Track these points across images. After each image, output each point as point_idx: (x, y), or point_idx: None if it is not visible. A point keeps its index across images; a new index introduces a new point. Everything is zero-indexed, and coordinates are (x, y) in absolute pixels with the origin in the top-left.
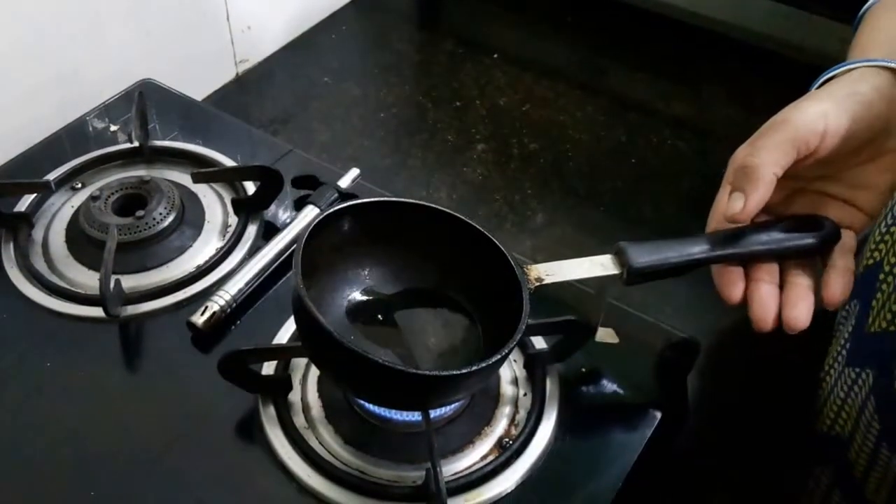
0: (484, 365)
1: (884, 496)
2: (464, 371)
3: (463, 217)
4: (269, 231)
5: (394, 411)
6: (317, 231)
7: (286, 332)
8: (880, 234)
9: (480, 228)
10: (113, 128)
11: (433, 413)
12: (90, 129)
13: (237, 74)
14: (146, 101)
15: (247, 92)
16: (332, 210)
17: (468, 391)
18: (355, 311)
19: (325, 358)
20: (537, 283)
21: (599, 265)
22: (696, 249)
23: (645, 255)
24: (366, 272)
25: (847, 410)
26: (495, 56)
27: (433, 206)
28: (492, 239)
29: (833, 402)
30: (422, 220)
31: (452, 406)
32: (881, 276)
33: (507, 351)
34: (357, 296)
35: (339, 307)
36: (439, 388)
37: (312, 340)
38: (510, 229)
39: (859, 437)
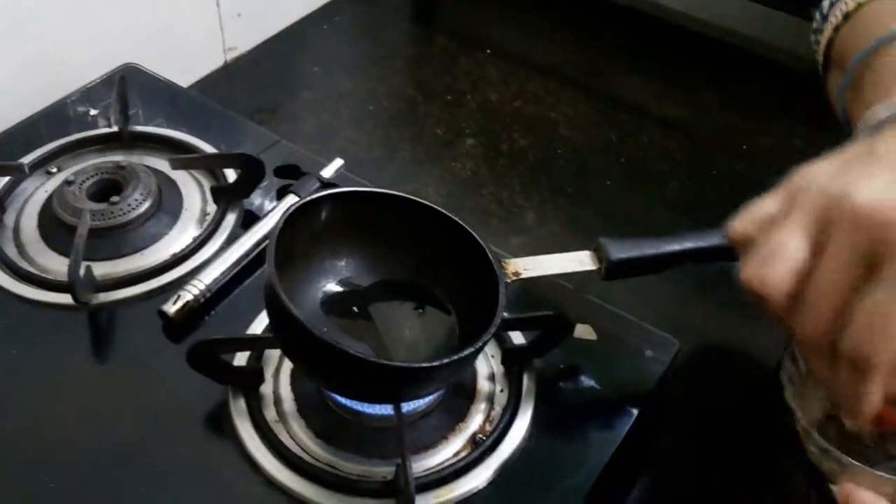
0: (455, 358)
1: None
2: (434, 364)
3: (441, 209)
4: (249, 220)
5: (366, 405)
6: (292, 220)
7: (261, 323)
8: None
9: (459, 221)
10: (93, 112)
11: (406, 407)
12: (70, 112)
13: (225, 62)
14: (127, 86)
15: (234, 80)
16: (307, 199)
17: (441, 384)
18: (330, 302)
19: (296, 349)
20: (514, 278)
21: (578, 261)
22: (675, 246)
23: (623, 251)
24: (342, 263)
25: None
26: (488, 51)
27: (411, 197)
28: (470, 232)
29: None
30: (400, 211)
31: (426, 400)
32: None
33: (480, 344)
34: (333, 287)
35: (313, 298)
36: (411, 381)
37: (283, 330)
38: (497, 225)
39: None
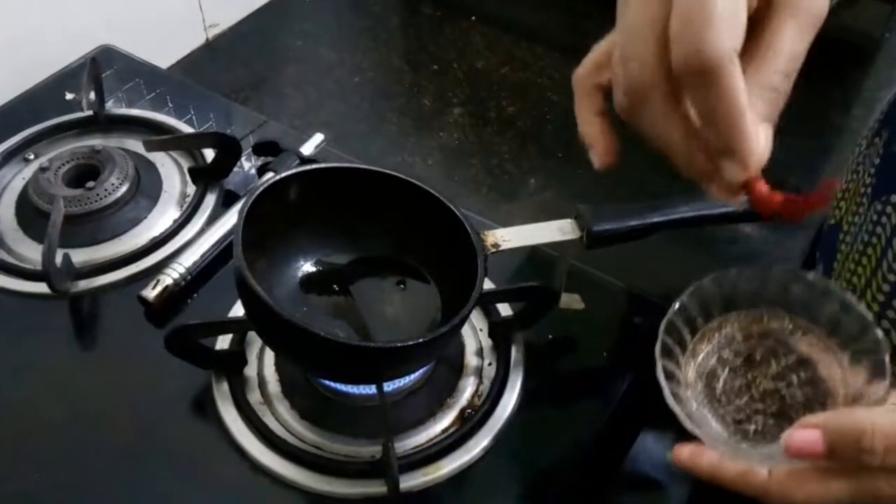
0: (433, 336)
1: None
2: (410, 342)
3: (417, 182)
4: (229, 200)
5: (350, 385)
6: (261, 200)
7: None
8: (840, 191)
9: (436, 193)
10: (69, 96)
11: (391, 385)
12: (46, 97)
13: (207, 39)
14: (101, 69)
15: (217, 57)
16: (277, 178)
17: (423, 362)
18: (309, 281)
19: (269, 332)
20: (494, 250)
21: (558, 229)
22: (659, 217)
23: (605, 219)
24: (320, 241)
25: None
26: (473, 18)
27: (385, 171)
28: (447, 204)
29: None
30: (375, 186)
31: (412, 377)
32: (840, 237)
33: (459, 320)
34: (310, 266)
35: (291, 278)
36: (389, 361)
37: (254, 314)
38: (487, 194)
39: None
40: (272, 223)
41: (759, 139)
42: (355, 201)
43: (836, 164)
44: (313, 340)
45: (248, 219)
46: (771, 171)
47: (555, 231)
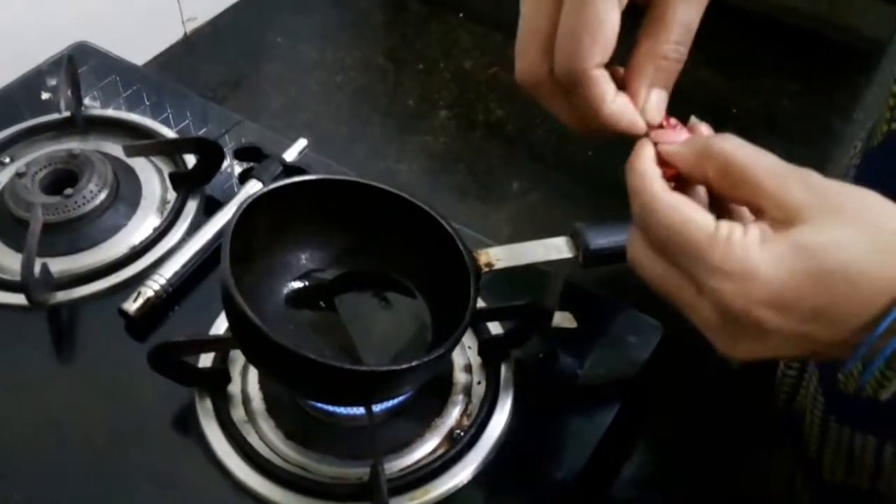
0: (425, 360)
1: (839, 476)
2: (403, 367)
3: (408, 196)
4: (211, 207)
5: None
6: (249, 213)
7: None
8: None
9: (427, 208)
10: (45, 95)
11: (379, 406)
12: (20, 97)
13: (185, 34)
14: (78, 67)
15: (195, 53)
16: (263, 191)
17: (413, 385)
18: (296, 297)
19: (256, 354)
20: (487, 269)
21: (554, 248)
22: None
23: (602, 237)
24: (307, 255)
25: (798, 386)
26: (461, 16)
27: (375, 184)
28: (440, 220)
29: (783, 381)
30: (365, 199)
31: (399, 398)
32: None
33: (450, 345)
34: (297, 281)
35: (278, 293)
36: (379, 384)
37: (242, 335)
38: (474, 201)
39: (808, 414)
40: (259, 237)
41: (649, 104)
42: (344, 214)
43: (834, 173)
44: (304, 364)
45: (235, 236)
46: None
47: (550, 250)
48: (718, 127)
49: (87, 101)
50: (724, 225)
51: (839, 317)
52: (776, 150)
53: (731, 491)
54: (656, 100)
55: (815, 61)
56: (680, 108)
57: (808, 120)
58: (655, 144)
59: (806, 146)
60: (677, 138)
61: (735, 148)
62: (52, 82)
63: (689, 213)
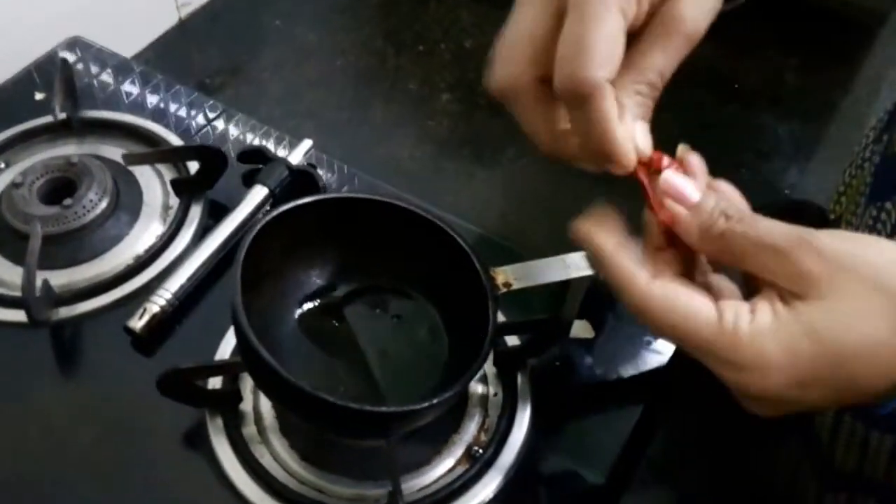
0: (446, 396)
1: (852, 462)
2: (423, 405)
3: (425, 213)
4: (216, 211)
5: None
6: (257, 239)
7: None
8: (843, 185)
9: (442, 225)
10: (39, 96)
11: None
12: (15, 96)
13: (180, 19)
14: (71, 62)
15: (191, 39)
16: (272, 215)
17: (432, 418)
18: (308, 316)
19: (272, 393)
20: (504, 290)
21: (573, 266)
22: None
23: None
24: (318, 273)
25: None
26: None
27: (388, 200)
28: (457, 238)
29: None
30: (378, 215)
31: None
32: None
33: (471, 374)
34: (309, 300)
35: (290, 313)
36: (398, 422)
37: (259, 376)
38: (479, 186)
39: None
40: (269, 260)
41: (634, 139)
42: (356, 230)
43: (830, 147)
44: (321, 404)
45: (246, 264)
46: (763, 148)
47: (570, 268)
48: (721, 104)
49: (80, 93)
50: (729, 311)
51: (862, 389)
52: (779, 126)
53: (741, 482)
54: (641, 131)
55: (816, 33)
56: (684, 85)
57: (809, 94)
58: (654, 211)
59: (804, 119)
60: (678, 185)
61: (742, 224)
62: (46, 80)
63: (687, 308)
